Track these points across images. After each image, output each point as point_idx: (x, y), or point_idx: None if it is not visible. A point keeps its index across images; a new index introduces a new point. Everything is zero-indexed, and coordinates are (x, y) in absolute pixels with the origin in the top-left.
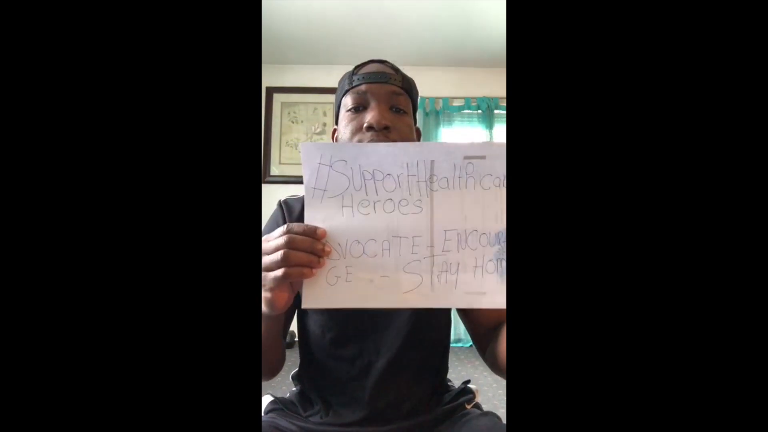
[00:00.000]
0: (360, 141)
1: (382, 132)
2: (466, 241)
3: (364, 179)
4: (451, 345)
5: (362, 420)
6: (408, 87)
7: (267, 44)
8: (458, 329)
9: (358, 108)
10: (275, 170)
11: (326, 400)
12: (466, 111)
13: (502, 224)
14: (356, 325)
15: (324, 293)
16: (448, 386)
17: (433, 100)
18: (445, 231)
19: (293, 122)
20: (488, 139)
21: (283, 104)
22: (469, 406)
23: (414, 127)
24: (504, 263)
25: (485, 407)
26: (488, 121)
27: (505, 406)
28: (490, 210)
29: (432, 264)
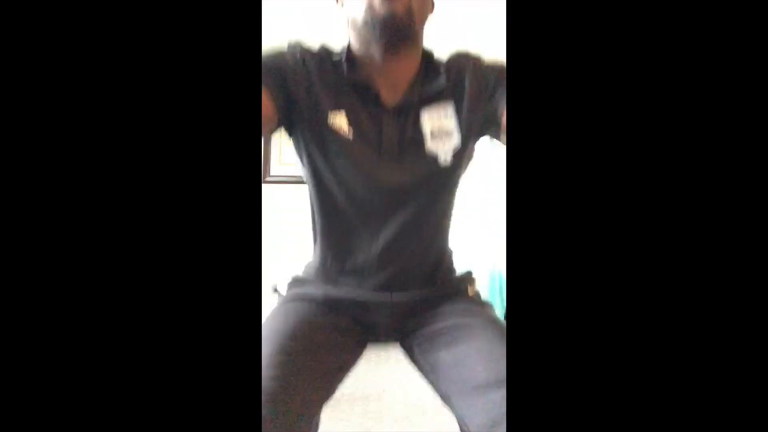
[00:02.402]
0: None
1: None
2: None
3: None
4: None
5: (373, 286)
6: None
7: (267, 44)
8: None
9: None
10: (275, 170)
11: (342, 266)
12: None
13: None
14: (372, 204)
15: None
16: (452, 268)
17: None
18: None
19: None
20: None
21: None
22: (471, 293)
23: None
24: None
25: None
26: None
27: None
28: None
29: None
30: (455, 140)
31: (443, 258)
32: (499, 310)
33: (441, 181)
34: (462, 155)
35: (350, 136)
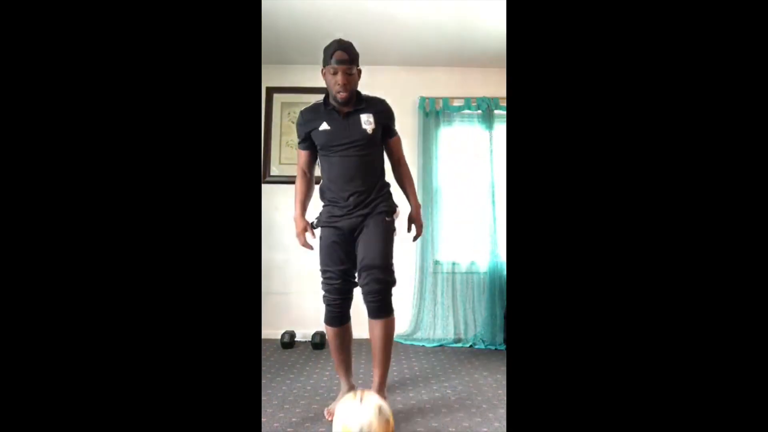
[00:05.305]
0: (335, 89)
1: (344, 86)
2: None
3: None
4: (451, 345)
5: (347, 213)
6: (354, 56)
7: (267, 44)
8: (458, 328)
9: (335, 72)
10: (275, 170)
11: (333, 206)
12: (466, 111)
13: None
14: (343, 162)
15: None
16: (386, 202)
17: (433, 100)
18: None
19: (293, 122)
20: (489, 140)
21: (283, 104)
22: (388, 218)
23: (357, 70)
24: None
25: (485, 407)
26: (488, 121)
27: (505, 406)
28: None
29: None
30: (373, 125)
31: (380, 194)
32: (499, 309)
33: (371, 139)
34: (376, 131)
35: (331, 129)
